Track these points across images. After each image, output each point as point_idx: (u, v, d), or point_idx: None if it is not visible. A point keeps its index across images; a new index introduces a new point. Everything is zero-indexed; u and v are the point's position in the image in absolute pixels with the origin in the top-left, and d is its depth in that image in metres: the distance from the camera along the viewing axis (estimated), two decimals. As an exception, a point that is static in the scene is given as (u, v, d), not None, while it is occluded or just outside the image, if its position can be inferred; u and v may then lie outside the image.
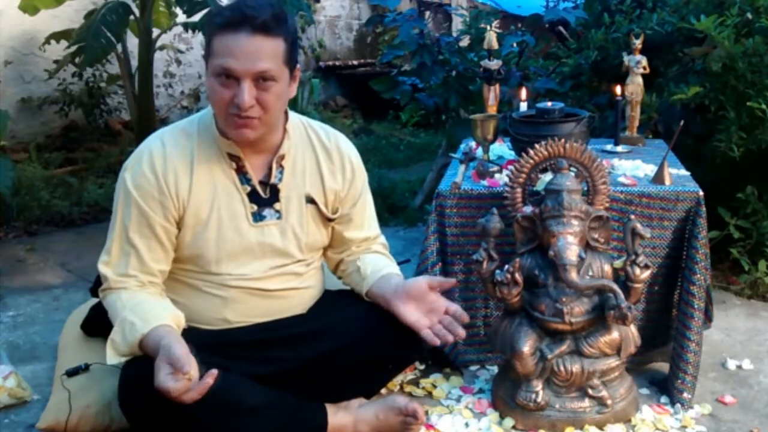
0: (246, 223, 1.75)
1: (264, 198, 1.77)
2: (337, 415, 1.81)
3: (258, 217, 1.76)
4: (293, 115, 1.83)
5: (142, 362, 1.60)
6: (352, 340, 1.78)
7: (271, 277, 1.79)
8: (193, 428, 1.59)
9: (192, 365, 1.47)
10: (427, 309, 1.76)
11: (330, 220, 1.87)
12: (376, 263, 1.90)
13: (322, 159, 1.85)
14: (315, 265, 1.92)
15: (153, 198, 1.67)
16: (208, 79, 1.64)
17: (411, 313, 1.74)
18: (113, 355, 1.63)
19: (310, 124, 1.88)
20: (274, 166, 1.77)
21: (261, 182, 1.77)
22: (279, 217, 1.78)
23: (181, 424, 1.57)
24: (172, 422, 1.57)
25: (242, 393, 1.64)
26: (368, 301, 1.86)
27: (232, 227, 1.73)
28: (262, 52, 1.59)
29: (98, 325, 2.17)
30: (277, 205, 1.78)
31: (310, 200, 1.82)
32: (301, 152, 1.82)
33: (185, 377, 1.45)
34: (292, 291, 1.85)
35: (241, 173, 1.75)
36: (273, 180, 1.77)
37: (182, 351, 1.49)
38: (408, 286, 1.77)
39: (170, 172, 1.68)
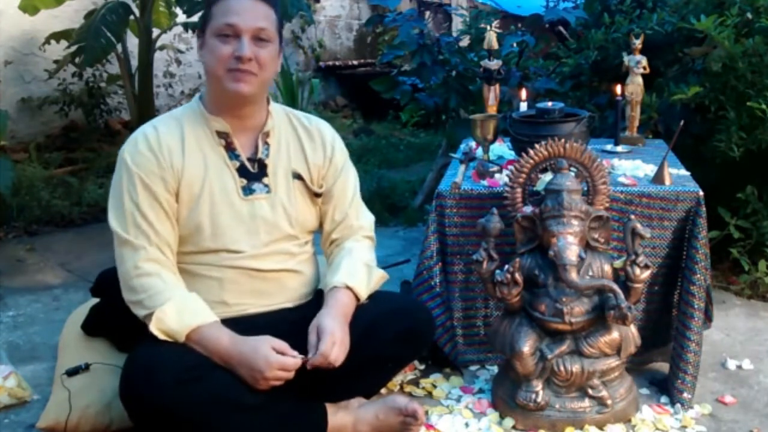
0: (237, 196, 1.81)
1: (253, 172, 1.84)
2: (337, 415, 1.81)
3: (248, 190, 1.83)
4: (275, 103, 1.95)
5: (145, 358, 1.63)
6: (352, 339, 1.78)
7: (266, 255, 1.83)
8: (194, 427, 1.60)
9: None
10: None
11: (317, 195, 1.92)
12: (340, 268, 1.89)
13: (304, 138, 1.93)
14: (308, 248, 1.94)
15: (154, 173, 1.75)
16: (206, 44, 1.76)
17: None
18: (157, 329, 1.68)
19: (290, 110, 1.99)
20: (260, 142, 1.86)
21: (249, 159, 1.84)
22: (268, 191, 1.85)
23: (182, 423, 1.58)
24: (173, 421, 1.58)
25: (242, 391, 1.65)
26: (367, 302, 1.87)
27: (224, 201, 1.80)
28: (261, 12, 1.76)
29: (98, 325, 2.18)
30: (265, 180, 1.85)
31: (297, 176, 1.89)
32: (285, 132, 1.91)
33: (298, 357, 1.66)
34: (286, 273, 1.87)
35: (230, 150, 1.83)
36: (260, 155, 1.85)
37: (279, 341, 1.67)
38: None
39: (165, 148, 1.77)
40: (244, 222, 1.81)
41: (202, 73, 6.05)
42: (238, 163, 1.82)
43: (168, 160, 1.76)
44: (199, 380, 1.60)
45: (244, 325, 1.75)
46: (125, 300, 1.75)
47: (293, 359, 1.66)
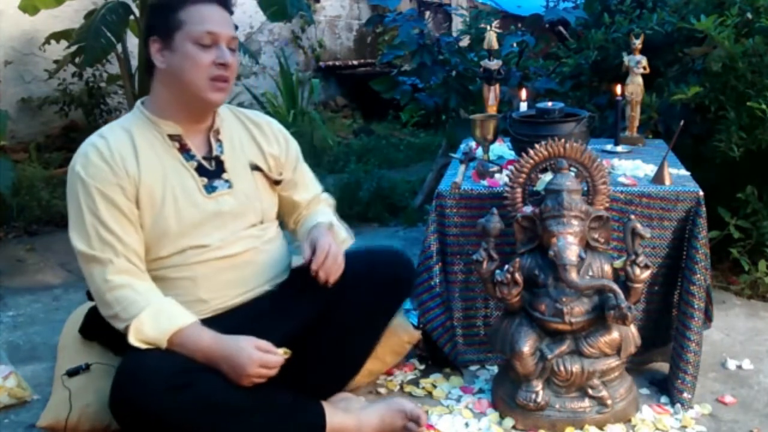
0: (200, 195, 1.81)
1: (211, 170, 1.85)
2: (336, 416, 1.80)
3: (210, 188, 1.83)
4: None
5: (134, 365, 1.63)
6: (339, 297, 1.83)
7: (232, 242, 1.84)
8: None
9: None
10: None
11: (277, 183, 1.96)
12: (319, 215, 2.02)
13: (255, 131, 1.96)
14: (273, 228, 1.98)
15: (110, 182, 1.72)
16: (176, 49, 1.74)
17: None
18: (137, 340, 1.67)
19: (233, 107, 2.02)
20: (213, 140, 1.87)
21: (204, 158, 1.85)
22: (230, 186, 1.86)
23: (172, 430, 1.59)
24: (163, 427, 1.58)
25: (233, 395, 1.64)
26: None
27: (188, 201, 1.79)
28: (230, 22, 1.81)
29: (94, 329, 2.17)
30: (225, 176, 1.86)
31: (255, 167, 1.92)
32: (234, 127, 1.94)
33: (282, 354, 1.68)
34: (255, 251, 1.88)
35: (184, 151, 1.83)
36: (215, 153, 1.86)
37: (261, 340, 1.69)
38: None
39: (117, 156, 1.74)
40: (210, 219, 1.81)
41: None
42: (195, 163, 1.82)
43: (122, 167, 1.73)
44: (189, 386, 1.60)
45: (226, 321, 1.75)
46: (103, 316, 1.74)
47: (276, 356, 1.67)
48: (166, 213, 1.76)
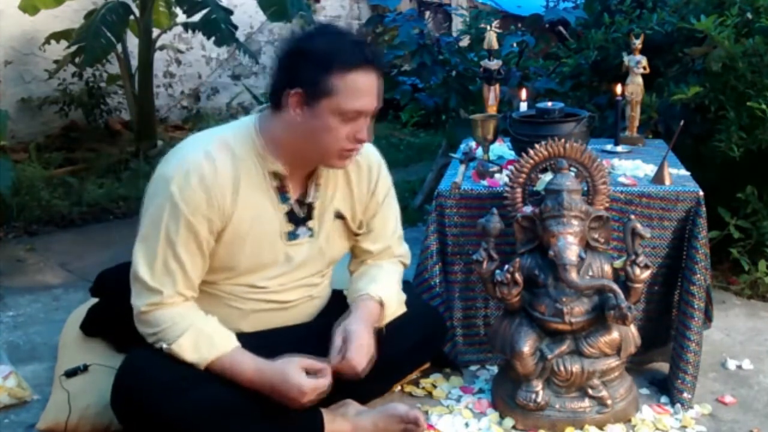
0: (280, 242, 1.76)
1: (300, 217, 1.78)
2: (335, 422, 1.78)
3: (293, 236, 1.77)
4: None
5: (137, 367, 1.64)
6: None
7: (291, 289, 1.81)
8: None
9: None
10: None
11: (356, 235, 1.89)
12: (375, 279, 1.88)
13: (353, 174, 1.85)
14: (329, 274, 1.94)
15: (202, 214, 1.63)
16: (317, 114, 1.62)
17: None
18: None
19: None
20: (311, 185, 1.78)
21: (297, 200, 1.78)
22: (311, 235, 1.80)
23: (170, 430, 1.59)
24: (164, 430, 1.58)
25: (235, 401, 1.63)
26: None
27: (266, 245, 1.74)
28: (380, 89, 1.68)
29: (97, 325, 2.18)
30: (310, 223, 1.80)
31: (339, 215, 1.84)
32: (333, 171, 1.81)
33: (328, 374, 1.64)
34: (307, 300, 1.87)
35: (282, 192, 1.75)
36: (309, 198, 1.78)
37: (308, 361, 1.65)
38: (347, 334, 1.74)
39: (218, 188, 1.64)
40: (280, 264, 1.77)
41: (203, 72, 6.10)
42: (287, 207, 1.75)
43: (220, 201, 1.64)
44: (188, 391, 1.59)
45: (258, 340, 1.73)
46: (140, 332, 1.69)
47: (325, 379, 1.63)
48: (242, 251, 1.71)
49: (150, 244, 1.64)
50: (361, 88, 1.62)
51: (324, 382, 1.64)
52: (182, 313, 1.66)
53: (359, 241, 1.91)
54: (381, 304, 1.81)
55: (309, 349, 1.73)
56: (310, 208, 1.79)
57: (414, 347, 1.88)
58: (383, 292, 1.82)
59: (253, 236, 1.71)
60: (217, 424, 1.61)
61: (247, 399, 1.64)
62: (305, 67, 1.62)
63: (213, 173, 1.63)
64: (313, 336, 1.80)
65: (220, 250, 1.70)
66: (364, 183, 1.87)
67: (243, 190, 1.68)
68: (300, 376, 1.62)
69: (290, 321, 1.85)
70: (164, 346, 1.63)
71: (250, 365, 1.64)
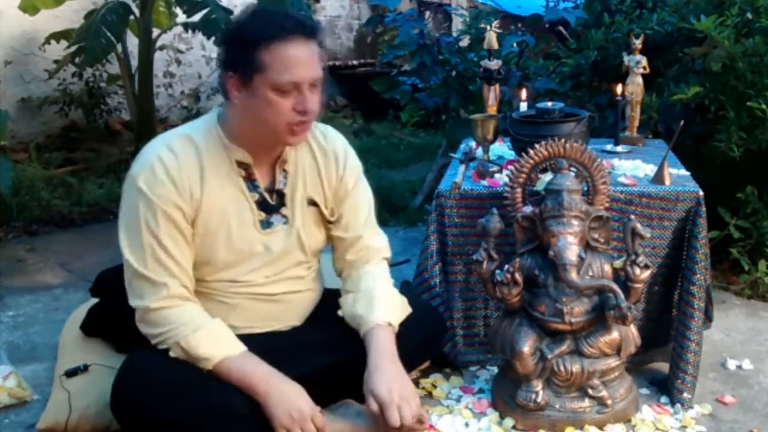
0: (254, 230, 1.75)
1: (272, 204, 1.78)
2: (335, 424, 1.77)
3: (266, 224, 1.77)
4: None
5: (136, 369, 1.64)
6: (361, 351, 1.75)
7: (276, 282, 1.81)
8: None
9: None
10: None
11: (330, 223, 1.88)
12: (375, 302, 1.82)
13: (320, 159, 1.85)
14: (315, 267, 1.93)
15: (174, 204, 1.65)
16: (255, 93, 1.62)
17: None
18: (182, 353, 1.64)
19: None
20: (278, 171, 1.79)
21: (267, 189, 1.78)
22: (286, 222, 1.80)
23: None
24: (162, 430, 1.58)
25: (233, 403, 1.63)
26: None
27: (240, 235, 1.74)
28: (315, 57, 1.64)
29: (97, 325, 2.18)
30: (284, 210, 1.80)
31: (312, 202, 1.83)
32: (301, 156, 1.83)
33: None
34: (295, 294, 1.86)
35: (250, 180, 1.75)
36: (278, 186, 1.79)
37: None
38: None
39: (185, 177, 1.66)
40: (259, 255, 1.77)
41: (203, 72, 6.10)
42: (257, 195, 1.75)
43: (188, 188, 1.66)
44: (188, 394, 1.59)
45: (254, 342, 1.72)
46: (143, 332, 1.68)
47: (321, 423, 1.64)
48: (216, 243, 1.71)
49: (134, 240, 1.66)
50: (291, 59, 1.60)
51: (318, 423, 1.63)
52: (193, 313, 1.67)
53: (332, 230, 1.89)
54: (390, 325, 1.78)
55: (301, 359, 1.75)
56: (281, 195, 1.79)
57: (417, 347, 1.87)
58: (388, 315, 1.79)
59: (225, 226, 1.72)
60: (216, 428, 1.60)
61: (246, 402, 1.63)
62: (235, 50, 1.64)
63: (176, 164, 1.66)
64: (305, 344, 1.80)
65: (196, 242, 1.71)
66: (332, 169, 1.85)
67: (210, 179, 1.69)
68: (308, 402, 1.62)
69: (280, 315, 1.84)
70: (178, 341, 1.63)
71: (263, 370, 1.64)
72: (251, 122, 1.68)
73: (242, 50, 1.61)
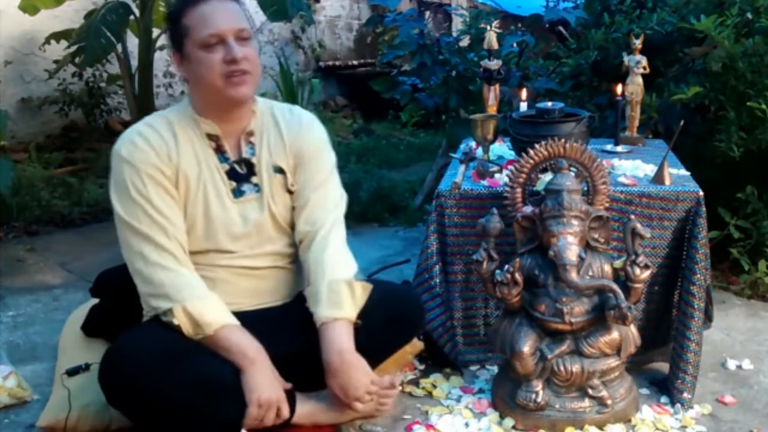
0: (228, 199, 1.82)
1: (242, 174, 1.85)
2: (308, 402, 1.82)
3: (238, 192, 1.84)
4: (260, 99, 1.94)
5: (126, 341, 1.67)
6: None
7: (259, 255, 1.85)
8: (172, 409, 1.61)
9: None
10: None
11: (291, 192, 1.89)
12: (320, 295, 1.80)
13: (283, 126, 1.91)
14: (301, 248, 1.91)
15: (156, 167, 1.74)
16: (189, 57, 1.74)
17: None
18: (183, 316, 1.68)
19: (275, 104, 1.97)
20: (243, 142, 1.86)
21: (236, 161, 1.85)
22: (258, 191, 1.85)
23: (160, 406, 1.60)
24: (152, 404, 1.60)
25: (221, 374, 1.66)
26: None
27: (216, 202, 1.81)
28: (235, 12, 1.76)
29: (98, 325, 2.18)
30: (254, 179, 1.86)
31: (278, 169, 1.88)
32: (267, 127, 1.90)
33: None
34: (280, 270, 1.89)
35: (220, 152, 1.83)
36: (245, 155, 1.85)
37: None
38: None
39: (162, 144, 1.77)
40: (236, 224, 1.82)
41: (202, 73, 6.09)
42: (227, 166, 1.83)
43: (165, 153, 1.76)
44: (179, 364, 1.62)
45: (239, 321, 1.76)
46: (141, 293, 1.73)
47: (284, 410, 1.74)
48: (196, 210, 1.78)
49: (128, 203, 1.73)
50: (208, 15, 1.72)
51: (284, 412, 1.74)
52: (196, 280, 1.74)
53: (292, 200, 1.88)
54: (338, 319, 1.75)
55: (283, 333, 1.79)
56: (249, 165, 1.85)
57: (385, 325, 1.83)
58: (333, 310, 1.76)
59: (203, 193, 1.79)
60: (203, 399, 1.63)
61: (234, 374, 1.67)
62: (169, 30, 1.81)
63: (153, 134, 1.77)
64: (288, 320, 1.84)
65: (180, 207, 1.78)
66: (294, 132, 1.90)
67: (183, 147, 1.79)
68: (277, 391, 1.72)
69: (261, 290, 1.87)
70: (169, 305, 1.67)
71: (258, 345, 1.71)
72: (199, 88, 1.78)
73: (173, 27, 1.77)
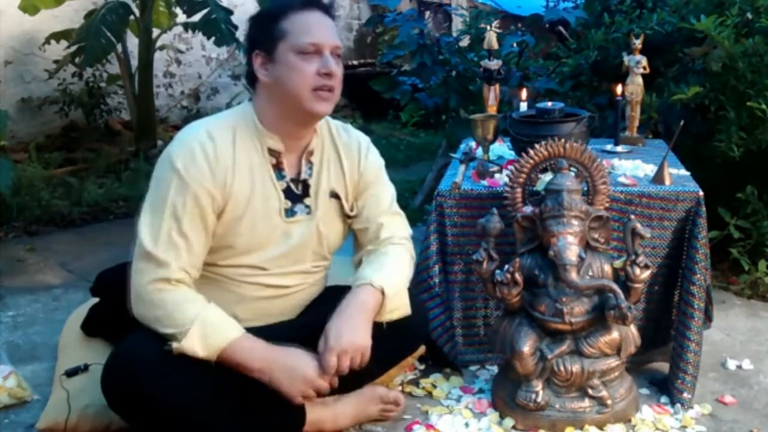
0: (278, 218, 1.78)
1: (296, 194, 1.81)
2: (314, 409, 1.81)
3: (290, 213, 1.80)
4: None
5: (127, 348, 1.65)
6: None
7: (289, 273, 1.82)
8: (172, 416, 1.60)
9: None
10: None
11: (349, 217, 1.89)
12: (383, 267, 1.83)
13: (343, 153, 1.88)
14: (326, 266, 1.94)
15: (207, 190, 1.67)
16: (279, 61, 1.69)
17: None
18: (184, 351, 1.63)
19: (331, 122, 1.93)
20: (303, 162, 1.82)
21: (292, 179, 1.81)
22: (309, 212, 1.82)
23: (161, 413, 1.59)
24: (152, 410, 1.59)
25: (222, 383, 1.64)
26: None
27: (264, 222, 1.76)
28: (334, 29, 1.75)
29: (98, 325, 2.18)
30: (307, 200, 1.82)
31: (334, 195, 1.86)
32: (327, 149, 1.87)
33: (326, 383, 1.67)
34: (302, 291, 1.88)
35: (278, 169, 1.79)
36: (303, 175, 1.82)
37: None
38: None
39: (221, 164, 1.69)
40: (278, 243, 1.78)
41: (203, 73, 6.10)
42: (284, 184, 1.78)
43: (222, 177, 1.69)
44: (178, 372, 1.60)
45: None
46: (135, 313, 1.68)
47: (325, 383, 1.67)
48: (241, 230, 1.73)
49: (155, 220, 1.66)
50: (311, 24, 1.70)
51: (324, 385, 1.66)
52: (188, 299, 1.65)
53: (352, 224, 1.91)
54: (382, 293, 1.75)
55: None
56: (305, 185, 1.82)
57: (395, 338, 1.82)
58: (387, 281, 1.76)
59: (251, 211, 1.74)
60: (204, 405, 1.62)
61: (234, 383, 1.65)
62: (259, 30, 1.75)
63: (214, 150, 1.69)
64: (295, 335, 1.78)
65: (219, 229, 1.72)
66: (354, 162, 1.89)
67: (240, 166, 1.72)
68: (312, 365, 1.65)
69: (287, 309, 1.86)
70: (166, 332, 1.63)
71: (262, 348, 1.65)
72: (279, 97, 1.73)
73: (266, 25, 1.72)
